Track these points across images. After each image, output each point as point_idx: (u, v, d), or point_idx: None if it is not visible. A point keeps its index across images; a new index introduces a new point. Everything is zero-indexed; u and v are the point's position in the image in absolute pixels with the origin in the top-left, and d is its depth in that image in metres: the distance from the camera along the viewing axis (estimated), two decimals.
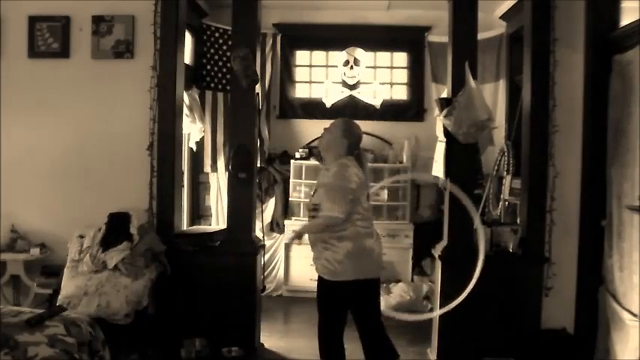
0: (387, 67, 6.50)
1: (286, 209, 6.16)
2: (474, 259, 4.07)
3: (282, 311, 5.67)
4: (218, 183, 6.03)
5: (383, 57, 6.48)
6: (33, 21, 4.38)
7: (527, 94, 4.18)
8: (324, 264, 3.19)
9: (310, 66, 6.56)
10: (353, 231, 3.16)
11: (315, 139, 6.18)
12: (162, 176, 4.24)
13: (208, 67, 5.79)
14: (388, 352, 3.26)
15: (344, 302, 3.22)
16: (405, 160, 6.01)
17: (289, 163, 6.10)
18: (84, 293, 3.70)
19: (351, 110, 6.28)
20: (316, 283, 3.32)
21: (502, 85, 5.73)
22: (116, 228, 3.98)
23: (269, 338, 4.55)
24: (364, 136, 6.09)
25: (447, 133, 4.01)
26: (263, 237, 4.45)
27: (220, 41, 5.79)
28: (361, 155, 3.37)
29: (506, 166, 4.90)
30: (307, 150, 6.12)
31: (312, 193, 3.40)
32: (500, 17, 5.47)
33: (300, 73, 6.54)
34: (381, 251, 3.35)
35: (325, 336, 3.27)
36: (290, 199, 6.13)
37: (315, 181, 5.95)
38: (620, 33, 3.75)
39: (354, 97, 6.27)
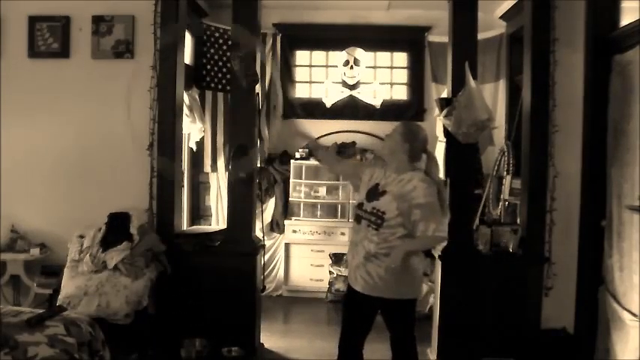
0: (387, 67, 6.50)
1: (286, 209, 6.16)
2: (474, 259, 4.09)
3: (282, 311, 5.67)
4: (218, 183, 6.03)
5: (383, 57, 6.48)
6: (33, 21, 4.38)
7: (527, 94, 4.18)
8: (363, 276, 3.03)
9: (310, 66, 6.56)
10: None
11: (316, 138, 6.20)
12: (162, 176, 4.24)
13: (208, 67, 5.79)
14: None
15: (371, 318, 3.14)
16: None
17: (289, 163, 6.10)
18: (84, 293, 3.71)
19: (351, 110, 6.30)
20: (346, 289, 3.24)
21: (502, 85, 5.72)
22: (116, 228, 3.98)
23: (269, 338, 4.55)
24: (364, 136, 6.22)
25: (447, 133, 4.01)
26: (263, 237, 4.46)
27: (220, 41, 5.79)
28: (430, 161, 3.15)
29: (506, 166, 4.90)
30: (307, 150, 6.11)
31: (369, 196, 3.09)
32: (500, 17, 5.47)
33: (300, 73, 6.54)
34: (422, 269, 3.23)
35: (353, 348, 3.20)
36: (290, 199, 6.13)
37: (315, 181, 6.06)
38: (620, 33, 3.74)
39: (354, 97, 6.27)
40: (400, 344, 3.16)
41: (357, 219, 3.11)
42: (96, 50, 4.35)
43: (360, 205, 3.11)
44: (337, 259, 5.90)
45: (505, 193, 4.90)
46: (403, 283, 3.01)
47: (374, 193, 3.07)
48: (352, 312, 3.16)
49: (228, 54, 5.18)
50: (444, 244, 4.12)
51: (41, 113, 4.39)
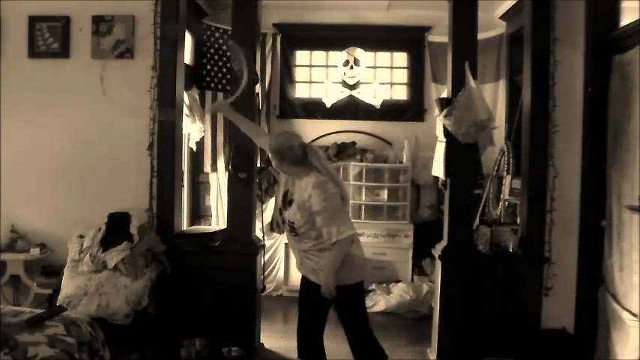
0: (387, 67, 6.50)
1: None
2: (474, 259, 4.09)
3: (282, 311, 5.67)
4: (218, 183, 6.03)
5: (383, 57, 6.48)
6: (33, 21, 4.38)
7: (527, 94, 4.18)
8: (311, 270, 3.15)
9: (310, 66, 6.56)
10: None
11: (316, 138, 6.21)
12: (162, 176, 4.24)
13: (208, 67, 5.79)
14: (377, 354, 3.22)
15: (326, 305, 3.17)
16: (405, 160, 6.01)
17: None
18: (84, 293, 3.71)
19: (351, 110, 6.29)
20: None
21: (502, 85, 5.72)
22: (116, 228, 3.98)
23: (269, 338, 4.55)
24: (364, 136, 6.22)
25: (447, 133, 4.01)
26: (263, 237, 4.45)
27: (220, 41, 5.79)
28: (313, 156, 3.12)
29: (506, 166, 4.89)
30: None
31: (283, 204, 3.20)
32: (500, 17, 5.47)
33: (300, 73, 6.54)
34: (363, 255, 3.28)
35: (311, 337, 3.23)
36: None
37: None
38: (620, 33, 3.75)
39: (354, 97, 6.27)
40: (354, 334, 3.18)
41: (282, 223, 3.23)
42: (96, 50, 4.35)
43: (280, 211, 3.23)
44: None
45: (505, 193, 4.90)
46: (345, 270, 3.05)
47: (285, 200, 3.19)
48: (308, 301, 3.23)
49: (228, 54, 5.17)
50: (445, 244, 4.13)
51: (41, 113, 4.39)
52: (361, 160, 6.05)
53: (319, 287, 3.06)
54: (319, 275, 3.07)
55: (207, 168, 5.96)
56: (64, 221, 4.28)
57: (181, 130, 4.57)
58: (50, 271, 4.25)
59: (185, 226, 5.19)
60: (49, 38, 4.37)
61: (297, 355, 3.23)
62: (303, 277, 3.26)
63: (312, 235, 3.07)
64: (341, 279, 3.04)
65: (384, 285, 5.60)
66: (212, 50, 5.77)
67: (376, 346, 3.21)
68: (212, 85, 5.84)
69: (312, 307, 3.21)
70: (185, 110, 5.10)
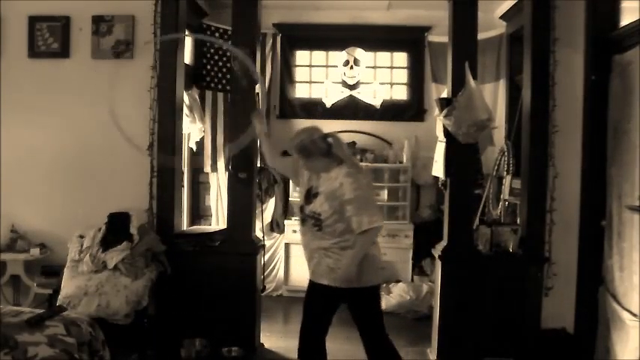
0: (387, 67, 6.50)
1: (286, 209, 6.16)
2: (474, 259, 4.09)
3: (282, 311, 5.67)
4: (218, 183, 6.03)
5: (383, 57, 6.47)
6: (33, 21, 4.38)
7: (527, 94, 4.18)
8: (325, 271, 3.08)
9: (310, 66, 6.56)
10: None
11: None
12: (162, 176, 4.24)
13: (208, 67, 5.79)
14: (391, 356, 3.19)
15: (334, 308, 3.16)
16: (405, 160, 6.01)
17: None
18: (84, 293, 3.71)
19: (351, 110, 6.29)
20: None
21: (502, 85, 5.72)
22: (116, 228, 3.99)
23: (269, 338, 4.55)
24: (365, 136, 6.21)
25: (447, 133, 4.01)
26: (263, 237, 4.46)
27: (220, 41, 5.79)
28: (338, 147, 3.11)
29: (506, 166, 4.90)
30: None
31: (306, 199, 3.14)
32: (500, 17, 5.47)
33: (300, 73, 6.54)
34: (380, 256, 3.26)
35: (314, 339, 3.21)
36: (290, 199, 6.12)
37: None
38: (620, 33, 3.74)
39: (354, 97, 6.27)
40: (371, 337, 3.16)
41: (302, 221, 3.17)
42: (96, 50, 4.35)
43: (301, 208, 3.17)
44: None
45: (505, 193, 4.90)
46: (365, 272, 3.02)
47: (309, 195, 3.13)
48: (315, 304, 3.19)
49: (228, 54, 5.17)
50: (445, 244, 4.14)
51: (41, 113, 4.39)
52: (361, 160, 6.04)
53: (333, 291, 3.03)
54: (336, 275, 3.01)
55: (207, 168, 5.96)
56: (64, 221, 4.28)
57: (181, 130, 4.57)
58: (50, 271, 4.25)
59: (185, 226, 5.20)
60: (49, 38, 4.37)
61: (296, 356, 3.21)
62: (312, 282, 3.20)
63: (337, 228, 3.01)
64: (361, 280, 3.01)
65: (384, 285, 5.60)
66: (212, 50, 5.77)
67: (390, 348, 3.18)
68: (212, 85, 5.84)
69: (319, 309, 3.17)
70: (185, 110, 5.10)
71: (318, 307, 3.18)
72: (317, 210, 3.04)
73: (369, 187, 3.10)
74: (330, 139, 3.11)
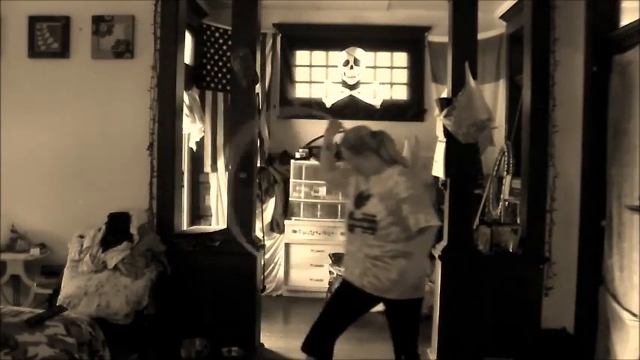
0: (387, 67, 6.50)
1: (286, 209, 6.16)
2: (474, 259, 4.09)
3: (282, 311, 5.67)
4: (218, 183, 6.03)
5: (383, 57, 6.47)
6: (33, 21, 4.38)
7: (527, 94, 4.18)
8: (372, 281, 2.95)
9: (310, 66, 6.56)
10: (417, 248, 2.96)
11: (316, 138, 6.21)
12: (162, 176, 4.24)
13: (208, 67, 5.79)
14: None
15: (361, 315, 3.09)
16: None
17: (289, 163, 6.10)
18: (84, 293, 3.71)
19: (351, 110, 6.28)
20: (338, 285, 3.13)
21: (502, 85, 5.72)
22: (116, 228, 3.99)
23: (269, 338, 4.55)
24: None
25: (447, 133, 4.01)
26: (263, 237, 4.46)
27: (220, 41, 5.79)
28: (387, 145, 3.05)
29: (506, 166, 4.89)
30: (307, 150, 6.11)
31: (357, 204, 3.03)
32: (500, 17, 5.47)
33: (300, 73, 6.54)
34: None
35: (328, 339, 3.12)
36: (290, 199, 6.13)
37: (315, 181, 6.06)
38: (620, 33, 3.74)
39: (354, 97, 6.26)
40: (402, 348, 3.08)
41: (350, 228, 3.06)
42: (96, 50, 4.35)
43: (350, 214, 3.08)
44: (337, 259, 5.89)
45: (505, 193, 4.90)
46: (410, 282, 2.96)
47: (360, 199, 3.04)
48: (346, 305, 3.10)
49: (228, 54, 5.17)
50: (445, 244, 4.14)
51: (41, 113, 4.39)
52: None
53: (370, 296, 2.96)
54: (380, 286, 2.92)
55: (207, 168, 5.97)
56: (64, 221, 4.28)
57: (181, 130, 4.57)
58: (50, 271, 4.25)
59: (185, 226, 5.20)
60: (49, 38, 4.37)
61: (300, 348, 3.08)
62: (348, 284, 3.06)
63: (392, 232, 2.91)
64: (407, 292, 2.95)
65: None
66: (212, 50, 5.77)
67: (417, 354, 3.11)
68: (212, 85, 5.84)
69: (348, 312, 3.08)
70: (185, 110, 5.10)
71: (349, 309, 3.08)
72: (371, 212, 2.95)
73: (422, 187, 3.03)
74: (379, 136, 3.06)
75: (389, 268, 2.91)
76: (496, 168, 5.15)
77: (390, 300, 2.97)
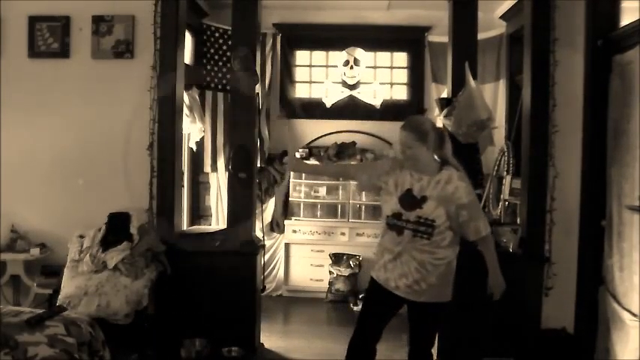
0: (387, 67, 6.50)
1: (286, 209, 6.16)
2: (474, 259, 4.08)
3: (282, 311, 5.67)
4: (218, 183, 6.03)
5: (383, 57, 6.48)
6: (33, 21, 4.38)
7: (527, 94, 4.18)
8: (408, 284, 2.89)
9: (310, 66, 6.56)
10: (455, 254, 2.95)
11: (316, 138, 6.21)
12: (162, 176, 4.24)
13: (208, 67, 5.79)
14: None
15: (390, 318, 3.05)
16: None
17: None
18: (84, 293, 3.71)
19: (351, 110, 6.29)
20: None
21: (502, 85, 5.72)
22: (116, 228, 3.98)
23: (269, 338, 4.55)
24: (365, 136, 6.22)
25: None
26: (263, 237, 4.46)
27: (220, 41, 5.79)
28: (446, 146, 2.95)
29: (506, 166, 4.90)
30: (307, 150, 6.12)
31: (406, 205, 2.88)
32: (500, 17, 5.47)
33: (300, 73, 6.54)
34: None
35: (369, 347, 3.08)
36: (290, 199, 6.13)
37: (315, 181, 6.06)
38: (620, 33, 3.74)
39: (354, 97, 6.27)
40: (419, 355, 3.06)
41: (398, 230, 2.87)
42: (96, 50, 4.35)
43: (397, 216, 2.87)
44: (337, 259, 5.90)
45: (505, 193, 4.90)
46: (444, 287, 2.94)
47: (411, 200, 2.86)
48: (379, 309, 3.03)
49: (228, 54, 5.18)
50: None
51: (41, 113, 4.39)
52: (361, 160, 6.04)
53: (402, 301, 2.92)
54: (418, 289, 2.86)
55: (207, 168, 5.97)
56: (64, 221, 4.28)
57: (181, 130, 4.57)
58: (50, 271, 4.25)
59: (185, 226, 5.20)
60: (49, 38, 4.37)
61: None
62: (378, 286, 2.98)
63: (446, 237, 2.85)
64: (438, 296, 2.92)
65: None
66: (212, 50, 5.77)
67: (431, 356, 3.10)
68: (212, 85, 5.84)
69: (381, 318, 3.03)
70: (185, 110, 5.10)
71: (382, 309, 3.03)
72: (429, 216, 2.81)
73: (474, 193, 2.97)
74: (442, 133, 2.95)
75: (431, 274, 2.86)
76: (496, 168, 5.15)
77: (418, 302, 2.92)
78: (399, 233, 2.88)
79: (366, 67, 6.29)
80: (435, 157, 2.94)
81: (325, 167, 3.41)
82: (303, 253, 6.01)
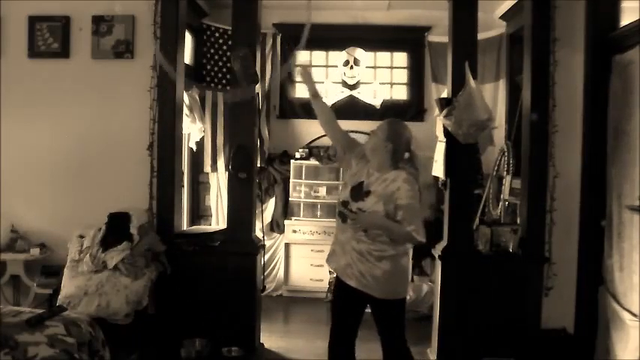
0: (387, 67, 6.50)
1: (286, 209, 6.16)
2: (474, 259, 4.09)
3: (282, 311, 5.67)
4: (218, 183, 6.03)
5: (383, 57, 6.47)
6: (33, 21, 4.38)
7: (527, 94, 4.18)
8: (356, 274, 2.99)
9: (310, 66, 6.55)
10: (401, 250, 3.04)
11: (316, 138, 6.21)
12: (162, 176, 4.24)
13: (208, 67, 5.79)
14: None
15: (361, 312, 3.12)
16: None
17: (289, 163, 6.10)
18: (84, 293, 3.71)
19: (351, 110, 6.29)
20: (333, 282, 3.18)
21: (502, 85, 5.73)
22: (116, 228, 3.98)
23: (269, 338, 4.55)
24: (365, 136, 6.19)
25: (447, 133, 4.01)
26: (263, 237, 4.45)
27: (220, 41, 5.79)
28: (414, 159, 3.10)
29: (506, 166, 4.89)
30: (307, 150, 6.12)
31: (354, 195, 3.03)
32: (500, 17, 5.47)
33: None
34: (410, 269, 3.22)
35: (345, 344, 3.16)
36: (290, 199, 6.13)
37: (315, 181, 6.06)
38: (620, 33, 3.75)
39: (354, 97, 6.27)
40: (390, 345, 3.13)
41: (343, 218, 3.05)
42: (96, 50, 4.35)
43: (344, 203, 3.05)
44: None
45: (505, 193, 4.89)
46: (394, 284, 3.02)
47: (359, 192, 3.03)
48: (344, 305, 3.14)
49: (228, 54, 5.18)
50: (445, 244, 4.13)
51: (41, 113, 4.40)
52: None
53: (359, 294, 2.99)
54: (367, 282, 2.96)
55: (207, 168, 5.97)
56: (64, 221, 4.28)
57: (181, 130, 4.57)
58: (50, 271, 4.25)
59: (185, 226, 5.20)
60: (49, 38, 4.37)
61: None
62: (340, 281, 3.10)
63: (383, 233, 2.95)
64: (390, 293, 3.00)
65: None
66: (212, 50, 5.77)
67: (409, 354, 3.15)
68: (212, 85, 5.84)
69: (349, 312, 3.12)
70: (185, 110, 5.10)
71: (347, 305, 3.12)
72: (368, 210, 2.96)
73: (419, 199, 3.02)
74: (412, 147, 3.09)
75: (374, 267, 2.96)
76: (496, 168, 5.15)
77: (375, 299, 3.01)
78: (344, 221, 3.05)
79: (366, 67, 6.29)
80: (392, 158, 3.05)
81: (324, 107, 3.44)
82: (303, 253, 6.01)
